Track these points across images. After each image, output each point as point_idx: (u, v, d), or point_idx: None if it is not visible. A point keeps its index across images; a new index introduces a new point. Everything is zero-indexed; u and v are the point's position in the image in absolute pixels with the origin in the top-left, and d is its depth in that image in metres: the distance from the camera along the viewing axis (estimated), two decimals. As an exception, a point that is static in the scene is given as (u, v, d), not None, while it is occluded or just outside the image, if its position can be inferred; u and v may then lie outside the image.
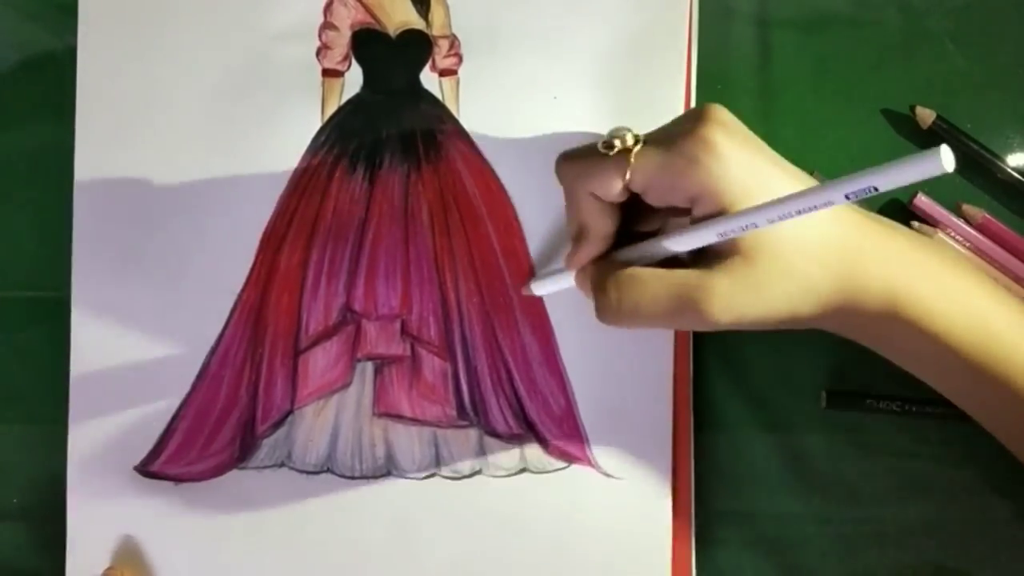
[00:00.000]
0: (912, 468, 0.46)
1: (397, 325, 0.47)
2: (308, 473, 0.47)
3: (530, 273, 0.47)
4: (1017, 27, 0.47)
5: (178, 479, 0.48)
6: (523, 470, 0.47)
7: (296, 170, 0.47)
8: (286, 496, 0.47)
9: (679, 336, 0.46)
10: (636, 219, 0.42)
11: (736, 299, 0.37)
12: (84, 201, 0.47)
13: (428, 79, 0.48)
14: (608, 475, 0.47)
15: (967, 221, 0.45)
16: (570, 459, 0.47)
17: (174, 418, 0.47)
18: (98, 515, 0.47)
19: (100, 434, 0.47)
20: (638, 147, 0.38)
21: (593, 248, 0.41)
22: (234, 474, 0.48)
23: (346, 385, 0.48)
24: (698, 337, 0.47)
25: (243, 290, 0.47)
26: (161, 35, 0.47)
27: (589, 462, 0.47)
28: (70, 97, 0.47)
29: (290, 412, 0.48)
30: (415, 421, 0.47)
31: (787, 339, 0.44)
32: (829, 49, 0.47)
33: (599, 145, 0.39)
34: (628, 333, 0.45)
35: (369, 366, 0.48)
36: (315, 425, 0.48)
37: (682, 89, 0.47)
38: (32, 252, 0.48)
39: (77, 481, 0.47)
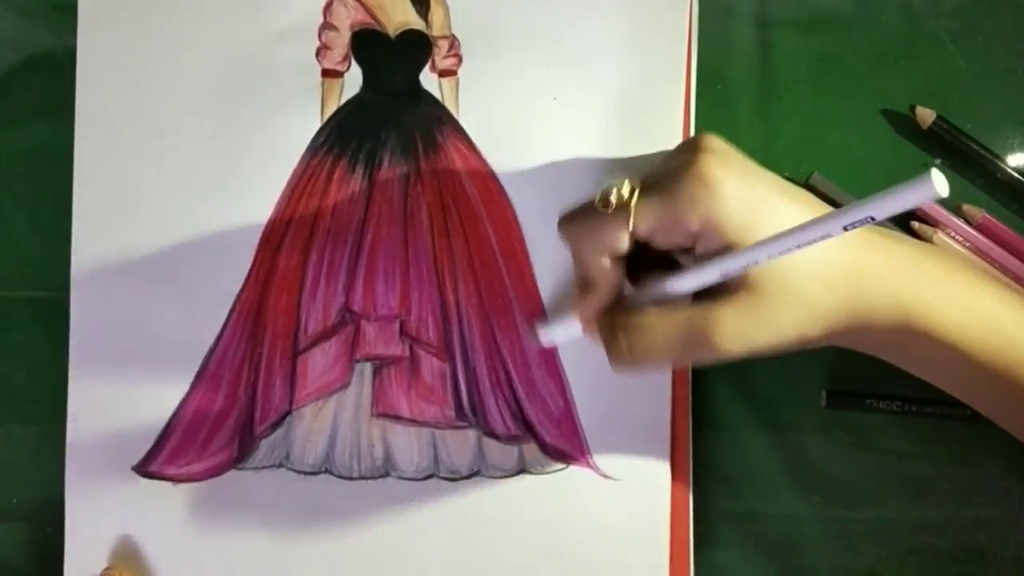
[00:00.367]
0: (912, 468, 0.46)
1: (396, 326, 0.47)
2: (306, 474, 0.47)
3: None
4: (1017, 27, 0.47)
5: (176, 479, 0.47)
6: (521, 471, 0.47)
7: (295, 170, 0.47)
8: (284, 497, 0.47)
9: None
10: (643, 252, 0.42)
11: (744, 329, 0.37)
12: (84, 201, 0.47)
13: (428, 80, 0.48)
14: (606, 476, 0.47)
15: (967, 221, 0.45)
16: (568, 460, 0.47)
17: (172, 418, 0.47)
18: (96, 515, 0.47)
19: (99, 434, 0.47)
20: (636, 196, 0.38)
21: (601, 299, 0.41)
22: (232, 474, 0.48)
23: (345, 386, 0.48)
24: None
25: (242, 290, 0.47)
26: (161, 35, 0.47)
27: (587, 463, 0.47)
28: (70, 97, 0.47)
29: (288, 412, 0.48)
30: (414, 422, 0.47)
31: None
32: (829, 49, 0.47)
33: (597, 202, 0.39)
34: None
35: (368, 367, 0.48)
36: (313, 426, 0.47)
37: (682, 89, 0.47)
38: (32, 252, 0.48)
39: (75, 481, 0.47)
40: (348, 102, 0.48)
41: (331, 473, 0.47)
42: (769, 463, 0.47)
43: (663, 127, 0.46)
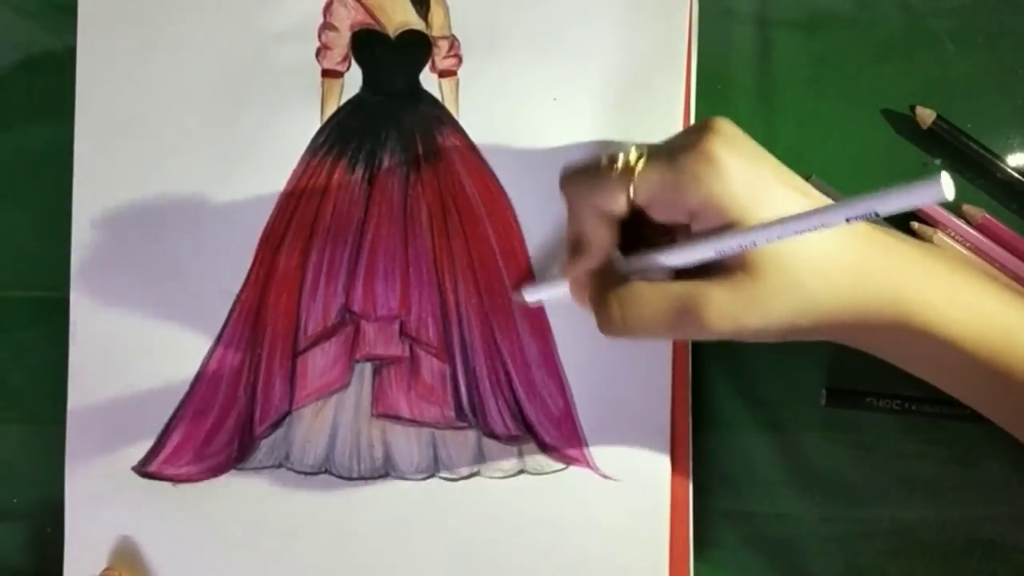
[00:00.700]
0: (912, 467, 0.46)
1: (396, 326, 0.47)
2: (306, 474, 0.47)
3: (528, 276, 0.47)
4: (1017, 27, 0.47)
5: (176, 479, 0.47)
6: (521, 472, 0.47)
7: (295, 171, 0.47)
8: (284, 497, 0.47)
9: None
10: (639, 229, 0.42)
11: (736, 310, 0.37)
12: (84, 201, 0.47)
13: (428, 80, 0.48)
14: (606, 476, 0.47)
15: (967, 221, 0.45)
16: (568, 461, 0.47)
17: (172, 418, 0.47)
18: (96, 516, 0.47)
19: (98, 434, 0.47)
20: (641, 162, 0.38)
21: (592, 260, 0.41)
22: (232, 475, 0.48)
23: (345, 386, 0.48)
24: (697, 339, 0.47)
25: (242, 290, 0.47)
26: (161, 35, 0.47)
27: (587, 464, 0.47)
28: (70, 97, 0.47)
29: (288, 413, 0.48)
30: (413, 422, 0.47)
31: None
32: (829, 49, 0.47)
33: (603, 161, 0.39)
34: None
35: (368, 367, 0.48)
36: (313, 426, 0.47)
37: (682, 89, 0.47)
38: (32, 252, 0.48)
39: (75, 481, 0.47)
40: (348, 102, 0.48)
41: (331, 473, 0.47)
42: (769, 463, 0.47)
43: (663, 127, 0.46)
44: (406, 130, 0.48)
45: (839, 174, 0.46)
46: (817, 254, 0.37)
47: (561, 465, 0.47)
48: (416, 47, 0.48)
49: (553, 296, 0.45)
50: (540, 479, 0.47)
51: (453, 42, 0.48)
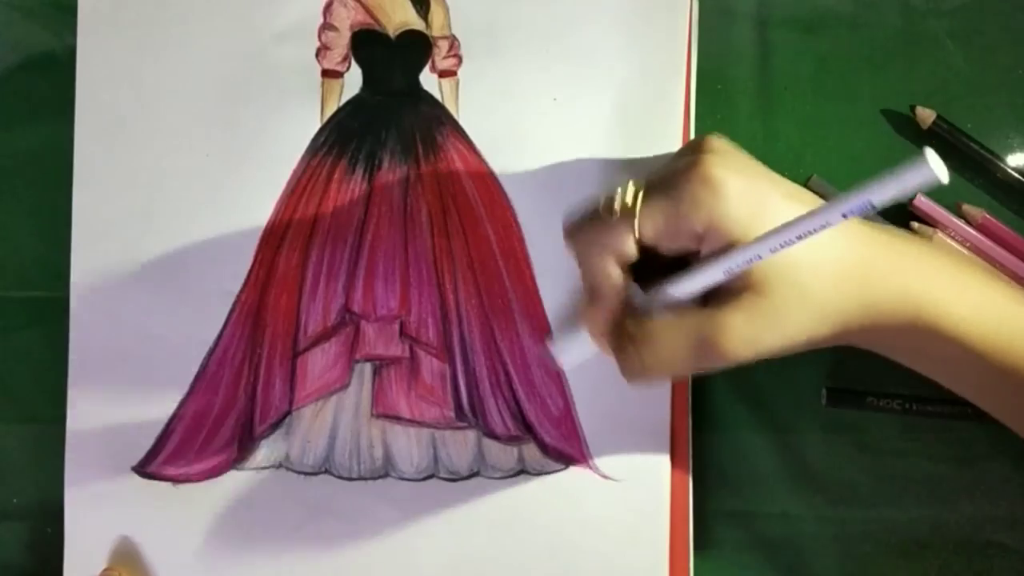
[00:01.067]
0: (912, 467, 0.46)
1: (396, 326, 0.47)
2: (306, 474, 0.47)
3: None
4: (1017, 27, 0.47)
5: (176, 480, 0.47)
6: (521, 472, 0.47)
7: (295, 171, 0.48)
8: (284, 497, 0.47)
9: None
10: (654, 259, 0.41)
11: (752, 332, 0.37)
12: (84, 201, 0.47)
13: (428, 80, 0.48)
14: (606, 476, 0.47)
15: (967, 221, 0.45)
16: (568, 461, 0.47)
17: (172, 419, 0.47)
18: (96, 516, 0.47)
19: (98, 434, 0.47)
20: (640, 200, 0.38)
21: (610, 309, 0.40)
22: (232, 475, 0.48)
23: (344, 386, 0.48)
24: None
25: (242, 291, 0.47)
26: (161, 35, 0.47)
27: (587, 464, 0.47)
28: (70, 97, 0.48)
29: (288, 413, 0.48)
30: (413, 422, 0.47)
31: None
32: (829, 49, 0.47)
33: (601, 207, 0.38)
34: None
35: (368, 367, 0.48)
36: (313, 426, 0.47)
37: (682, 89, 0.47)
38: (32, 252, 0.48)
39: (75, 481, 0.47)
40: (348, 102, 0.48)
41: (331, 473, 0.47)
42: (769, 463, 0.47)
43: (663, 127, 0.46)
44: (406, 130, 0.48)
45: (839, 174, 0.46)
46: (821, 261, 0.37)
47: (561, 465, 0.47)
48: (416, 47, 0.48)
49: (581, 353, 0.43)
50: (540, 479, 0.47)
51: (453, 42, 0.48)
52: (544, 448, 0.47)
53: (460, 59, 0.47)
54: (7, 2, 0.48)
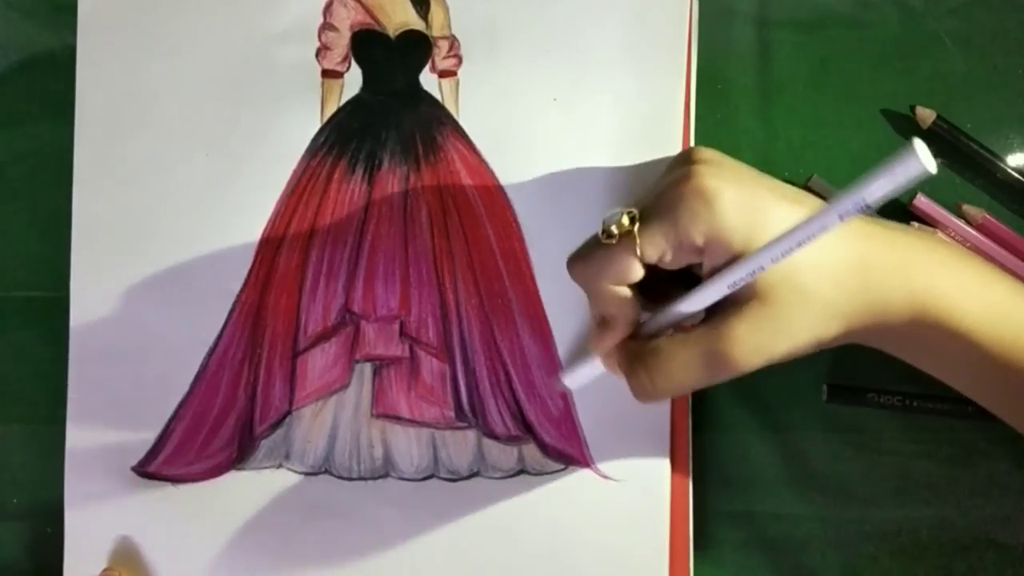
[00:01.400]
0: (912, 466, 0.46)
1: (396, 326, 0.47)
2: (306, 474, 0.47)
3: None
4: (1017, 27, 0.47)
5: (176, 480, 0.47)
6: (521, 472, 0.47)
7: (295, 171, 0.48)
8: (284, 497, 0.47)
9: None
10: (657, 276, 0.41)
11: (761, 340, 0.37)
12: (84, 201, 0.47)
13: (428, 80, 0.48)
14: (606, 477, 0.47)
15: (967, 221, 0.45)
16: (568, 461, 0.47)
17: (172, 419, 0.47)
18: (96, 516, 0.47)
19: (98, 435, 0.47)
20: (637, 223, 0.38)
21: (620, 333, 0.40)
22: (232, 475, 0.48)
23: (345, 386, 0.48)
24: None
25: (242, 291, 0.47)
26: (161, 35, 0.48)
27: (587, 464, 0.47)
28: (70, 97, 0.48)
29: (288, 413, 0.48)
30: (413, 422, 0.47)
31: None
32: (829, 49, 0.47)
33: (600, 236, 0.38)
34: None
35: (368, 367, 0.48)
36: (313, 426, 0.47)
37: (682, 89, 0.47)
38: (32, 252, 0.48)
39: (75, 482, 0.47)
40: (348, 102, 0.48)
41: (331, 473, 0.47)
42: (769, 463, 0.47)
43: (663, 127, 0.46)
44: (406, 130, 0.48)
45: (839, 174, 0.46)
46: (822, 262, 0.37)
47: (560, 465, 0.47)
48: (416, 47, 0.48)
49: (590, 376, 0.44)
50: (539, 479, 0.47)
51: (453, 42, 0.48)
52: (544, 448, 0.47)
53: (460, 59, 0.47)
54: (7, 2, 0.49)
